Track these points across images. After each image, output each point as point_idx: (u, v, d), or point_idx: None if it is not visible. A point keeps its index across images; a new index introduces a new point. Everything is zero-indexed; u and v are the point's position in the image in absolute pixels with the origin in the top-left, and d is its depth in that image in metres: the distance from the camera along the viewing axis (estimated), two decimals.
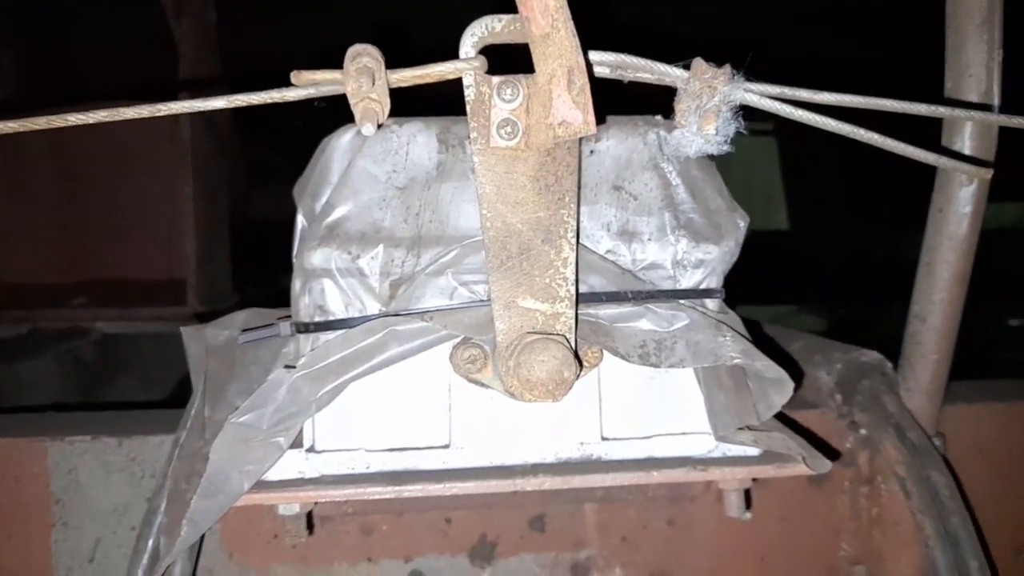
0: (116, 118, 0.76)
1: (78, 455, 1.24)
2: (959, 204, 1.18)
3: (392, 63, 0.78)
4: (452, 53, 0.79)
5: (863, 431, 1.30)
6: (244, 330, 0.98)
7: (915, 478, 1.19)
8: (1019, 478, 1.38)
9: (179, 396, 2.66)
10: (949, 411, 1.34)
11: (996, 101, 1.13)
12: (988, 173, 0.97)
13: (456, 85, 0.82)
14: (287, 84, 0.78)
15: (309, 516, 1.01)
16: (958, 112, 0.91)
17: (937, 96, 1.19)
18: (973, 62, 1.14)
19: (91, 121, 0.76)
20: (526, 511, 1.32)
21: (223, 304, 2.94)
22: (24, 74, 2.75)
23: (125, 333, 2.77)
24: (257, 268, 3.50)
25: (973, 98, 1.15)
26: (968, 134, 1.15)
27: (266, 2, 2.95)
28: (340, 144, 0.92)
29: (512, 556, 1.31)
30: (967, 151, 1.14)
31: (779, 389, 0.89)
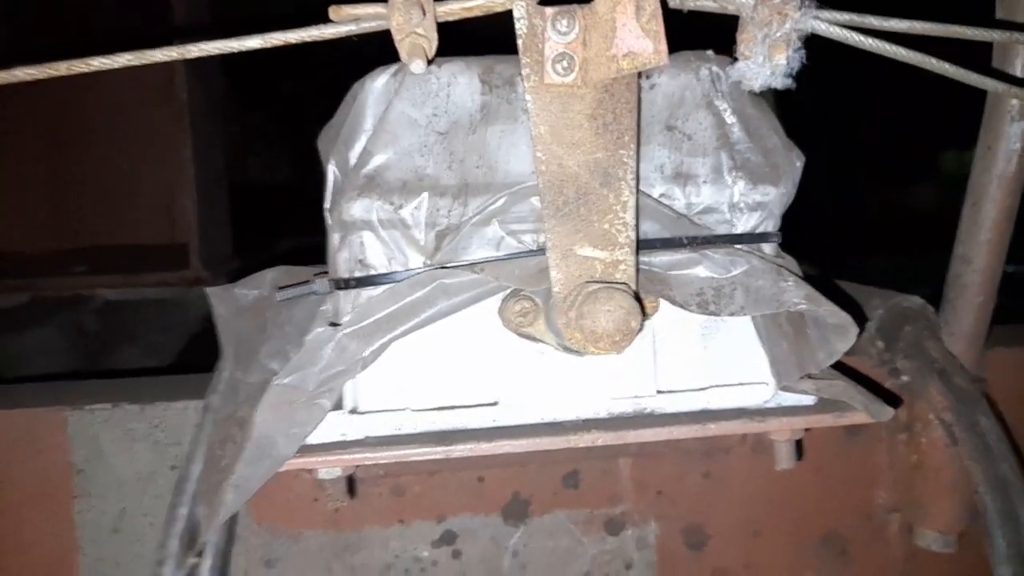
0: (144, 60, 0.70)
1: (99, 423, 1.20)
2: (1009, 140, 1.13)
3: None
4: None
5: (904, 377, 1.27)
6: (280, 288, 0.93)
7: (962, 424, 1.17)
8: None
9: (184, 362, 2.64)
10: (988, 355, 1.31)
11: None
12: None
13: (495, 22, 0.77)
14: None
15: (350, 479, 0.98)
16: None
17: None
18: None
19: (116, 66, 0.71)
20: (560, 468, 1.29)
21: (225, 267, 2.89)
22: (9, 29, 2.65)
23: (128, 299, 2.72)
24: (253, 231, 3.45)
25: None
26: (1020, 64, 1.10)
27: None
28: (374, 88, 0.86)
29: (546, 513, 1.29)
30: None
31: (842, 335, 0.85)
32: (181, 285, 2.70)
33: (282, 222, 4.16)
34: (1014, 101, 1.07)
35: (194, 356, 2.63)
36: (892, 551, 1.36)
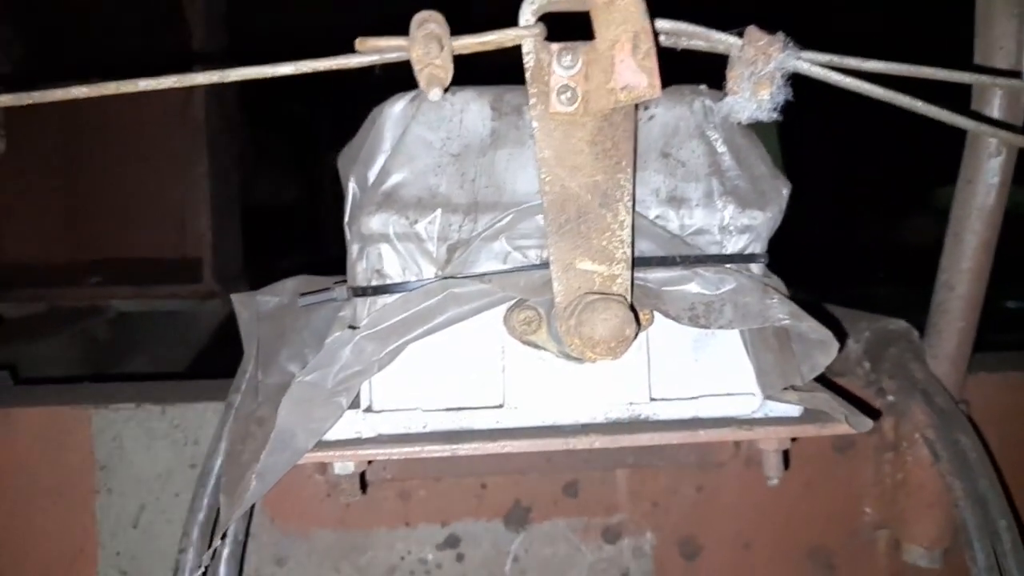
0: (185, 83, 0.77)
1: (122, 422, 1.26)
2: (988, 175, 1.20)
3: None
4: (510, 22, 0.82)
5: (890, 397, 1.32)
6: (302, 294, 1.00)
7: (944, 441, 1.22)
8: None
9: (193, 374, 2.69)
10: (971, 379, 1.37)
11: None
12: None
13: (504, 55, 0.84)
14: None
15: (362, 476, 1.04)
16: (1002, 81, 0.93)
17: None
18: (1003, 35, 1.16)
19: (163, 87, 0.78)
20: (560, 477, 1.34)
21: (236, 283, 2.96)
22: (30, 49, 2.74)
23: (140, 311, 2.78)
24: (258, 251, 3.52)
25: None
26: (997, 105, 1.17)
27: None
28: (393, 112, 0.94)
29: (545, 521, 1.34)
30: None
31: (824, 350, 0.92)
32: (193, 298, 2.77)
33: (287, 243, 4.25)
34: (991, 139, 1.14)
35: (202, 368, 2.69)
36: (878, 566, 1.41)
